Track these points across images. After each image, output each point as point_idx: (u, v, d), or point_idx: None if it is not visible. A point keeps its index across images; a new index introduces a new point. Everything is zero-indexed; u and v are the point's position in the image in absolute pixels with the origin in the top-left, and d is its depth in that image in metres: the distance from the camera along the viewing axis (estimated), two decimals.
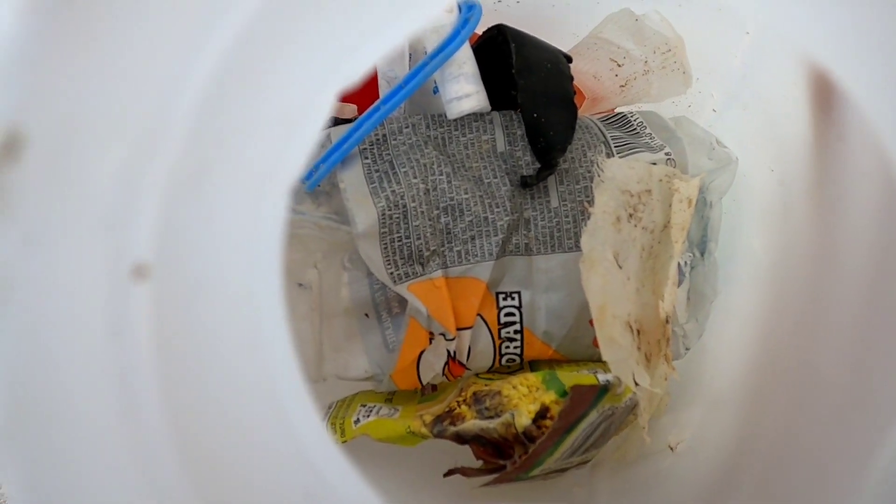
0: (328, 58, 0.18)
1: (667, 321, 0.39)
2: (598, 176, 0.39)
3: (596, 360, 0.41)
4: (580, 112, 0.44)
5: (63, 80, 0.15)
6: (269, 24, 0.17)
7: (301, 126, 0.19)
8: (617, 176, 0.39)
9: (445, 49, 0.38)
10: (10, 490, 0.17)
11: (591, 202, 0.39)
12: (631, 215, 0.39)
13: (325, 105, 0.19)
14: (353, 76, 0.19)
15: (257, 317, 0.19)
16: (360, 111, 0.44)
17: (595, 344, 0.40)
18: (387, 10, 0.19)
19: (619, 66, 0.41)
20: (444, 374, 0.41)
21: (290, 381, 0.20)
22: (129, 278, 0.17)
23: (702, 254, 0.41)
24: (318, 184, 0.39)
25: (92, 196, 0.16)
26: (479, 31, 0.42)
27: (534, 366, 0.42)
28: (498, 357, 0.41)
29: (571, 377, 0.37)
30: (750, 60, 0.37)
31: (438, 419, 0.38)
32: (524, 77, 0.39)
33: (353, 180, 0.39)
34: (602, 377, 0.37)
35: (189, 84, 0.17)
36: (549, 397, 0.37)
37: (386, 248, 0.39)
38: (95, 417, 0.17)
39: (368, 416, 0.40)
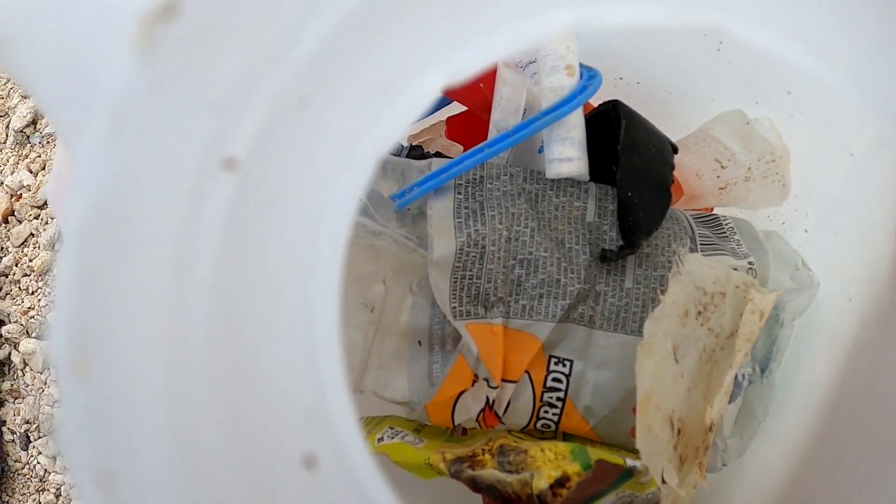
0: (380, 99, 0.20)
1: (710, 429, 0.38)
2: (677, 267, 0.39)
3: (630, 450, 0.40)
4: (675, 205, 0.45)
5: None
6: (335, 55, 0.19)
7: (357, 150, 0.20)
8: (695, 271, 0.39)
9: (558, 109, 0.39)
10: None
11: (664, 291, 0.39)
12: (700, 313, 0.38)
13: (382, 138, 0.21)
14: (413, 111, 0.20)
15: (310, 313, 0.20)
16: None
17: (633, 433, 0.39)
18: (438, 63, 0.20)
19: (723, 167, 0.41)
20: (477, 420, 0.41)
21: (332, 359, 0.21)
22: (218, 167, 0.18)
23: (762, 371, 0.41)
24: (408, 204, 0.40)
25: (213, 84, 0.18)
26: (596, 103, 0.43)
27: (567, 438, 0.42)
28: (534, 419, 0.41)
29: (600, 452, 0.37)
30: (850, 184, 0.37)
31: (459, 460, 0.38)
32: (627, 155, 0.40)
33: (441, 210, 0.40)
34: (630, 461, 0.37)
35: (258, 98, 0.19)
36: (572, 468, 0.37)
37: (455, 282, 0.39)
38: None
39: (393, 438, 0.40)
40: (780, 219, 0.44)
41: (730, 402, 0.41)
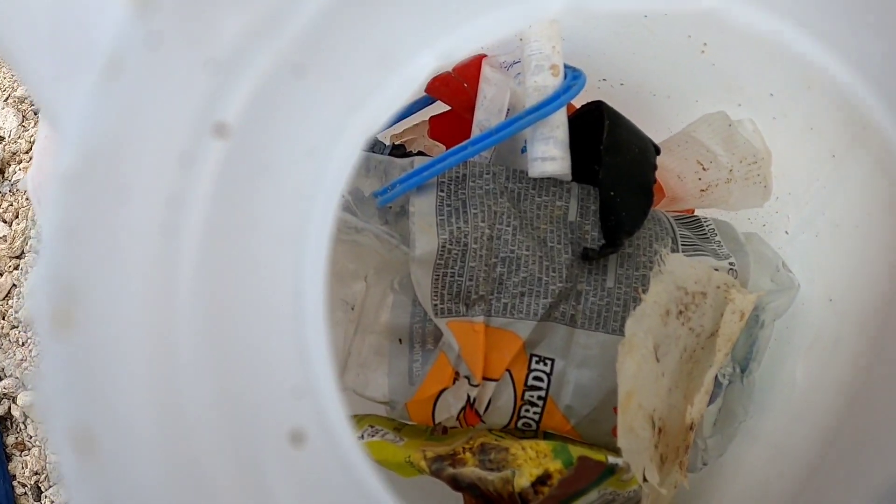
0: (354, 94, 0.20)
1: (691, 428, 0.38)
2: (659, 266, 0.39)
3: (611, 450, 0.40)
4: (656, 207, 0.45)
5: None
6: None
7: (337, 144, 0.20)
8: (676, 271, 0.39)
9: (542, 108, 0.39)
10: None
11: (645, 290, 0.39)
12: (681, 312, 0.39)
13: (374, 115, 0.21)
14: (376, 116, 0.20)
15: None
16: None
17: (614, 433, 0.39)
18: (403, 53, 0.20)
19: (705, 170, 0.42)
20: (458, 418, 0.40)
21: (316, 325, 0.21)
22: (210, 132, 0.18)
23: (742, 371, 0.41)
24: (390, 201, 0.40)
25: (208, 45, 0.18)
26: (579, 104, 0.43)
27: (547, 438, 0.42)
28: (515, 418, 0.41)
29: (581, 450, 0.37)
30: (831, 185, 0.37)
31: (439, 458, 0.37)
32: (610, 155, 0.40)
33: (423, 208, 0.40)
34: (612, 459, 0.37)
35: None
36: (554, 465, 0.36)
37: (437, 279, 0.39)
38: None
39: (373, 436, 0.40)
40: (761, 221, 0.45)
41: (710, 403, 0.41)
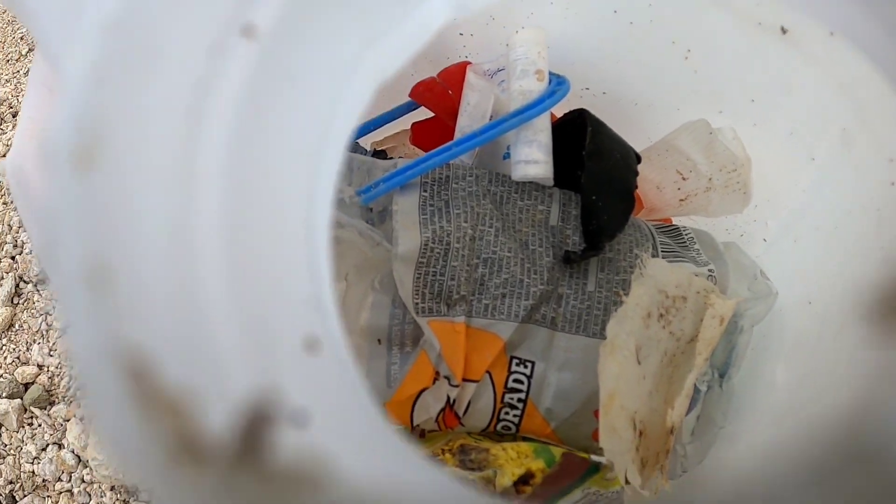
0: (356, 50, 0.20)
1: (671, 432, 0.38)
2: (640, 270, 0.39)
3: (591, 454, 0.40)
4: (635, 216, 0.45)
5: None
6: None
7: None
8: (657, 275, 0.39)
9: (527, 111, 0.39)
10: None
11: (626, 294, 0.39)
12: (662, 315, 0.39)
13: (389, 57, 0.21)
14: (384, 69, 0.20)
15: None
16: None
17: (594, 437, 0.39)
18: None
19: (684, 179, 0.42)
20: (436, 420, 0.40)
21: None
22: (238, 32, 0.18)
23: (721, 377, 0.41)
24: (373, 199, 0.40)
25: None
26: (560, 113, 0.43)
27: (526, 441, 0.41)
28: (495, 421, 0.40)
29: (564, 449, 0.37)
30: (811, 189, 0.38)
31: None
32: (593, 160, 0.40)
33: (406, 207, 0.40)
34: (595, 457, 0.37)
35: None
36: (536, 465, 0.36)
37: (419, 278, 0.39)
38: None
39: None
40: (739, 231, 0.45)
41: (689, 409, 0.41)
